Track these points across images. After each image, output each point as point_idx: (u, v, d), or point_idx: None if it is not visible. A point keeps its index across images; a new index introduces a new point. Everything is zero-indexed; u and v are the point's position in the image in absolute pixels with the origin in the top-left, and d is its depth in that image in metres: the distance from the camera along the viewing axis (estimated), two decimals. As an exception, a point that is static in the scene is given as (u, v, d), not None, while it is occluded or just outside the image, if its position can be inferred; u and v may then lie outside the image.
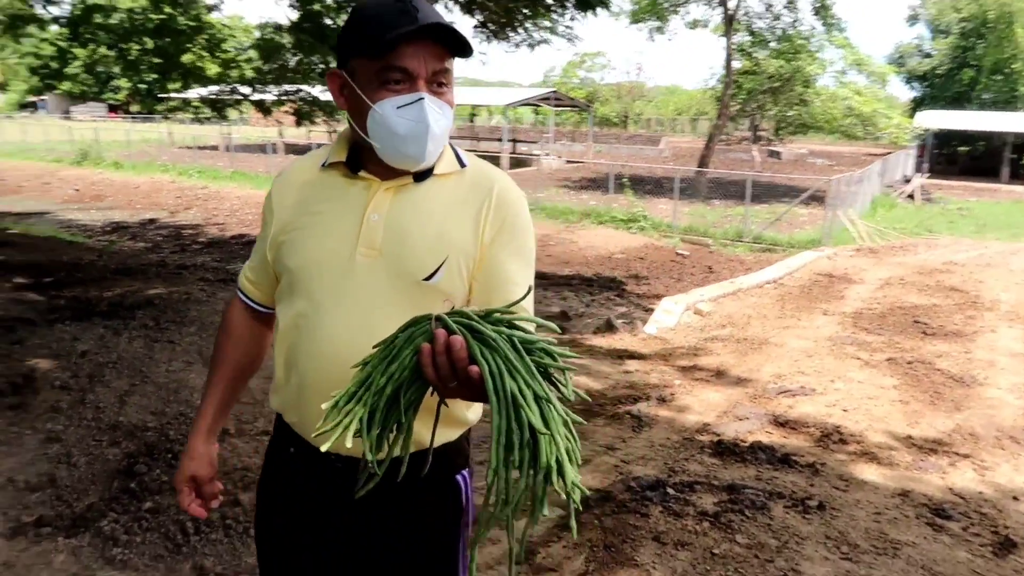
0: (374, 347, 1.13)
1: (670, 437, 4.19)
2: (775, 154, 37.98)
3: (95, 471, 3.27)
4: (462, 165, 1.43)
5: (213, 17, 13.60)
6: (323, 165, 1.42)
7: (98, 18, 11.56)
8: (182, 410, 3.73)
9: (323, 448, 1.08)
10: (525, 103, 32.57)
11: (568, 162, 31.41)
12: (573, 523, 1.06)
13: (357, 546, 1.46)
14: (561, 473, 1.04)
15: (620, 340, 6.96)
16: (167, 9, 12.14)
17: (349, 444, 1.07)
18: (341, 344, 1.31)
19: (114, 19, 11.59)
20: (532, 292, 1.41)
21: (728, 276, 11.66)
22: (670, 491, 3.34)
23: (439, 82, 1.31)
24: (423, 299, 1.33)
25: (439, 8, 7.77)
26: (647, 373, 5.64)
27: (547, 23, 6.92)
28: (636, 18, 27.82)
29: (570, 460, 1.05)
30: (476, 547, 1.37)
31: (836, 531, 3.09)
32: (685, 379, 5.51)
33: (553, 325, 1.31)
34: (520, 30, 7.20)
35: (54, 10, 11.54)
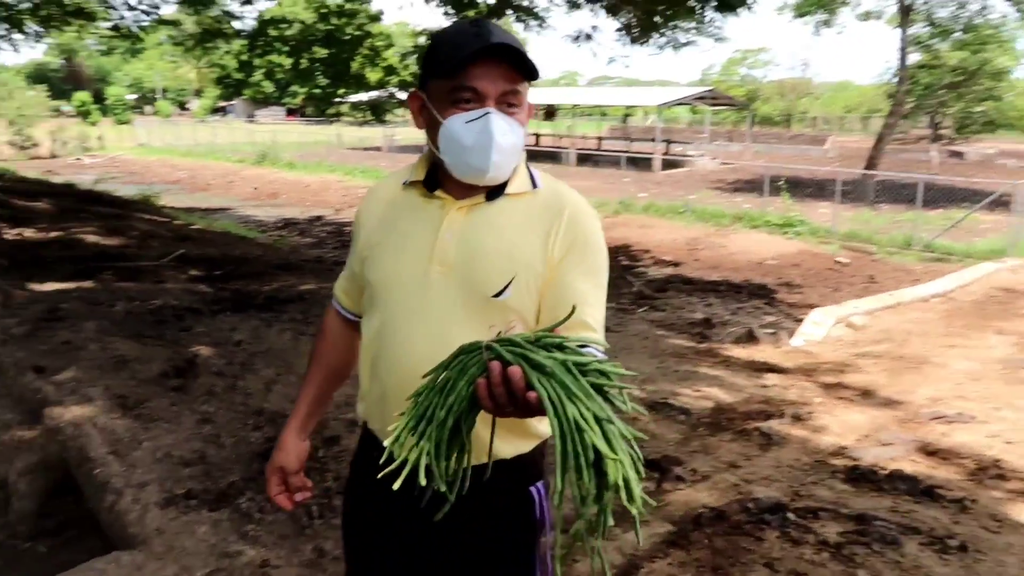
0: (423, 376, 1.17)
1: (800, 458, 3.97)
2: (957, 154, 34.80)
3: (239, 452, 3.57)
4: (535, 186, 1.45)
5: (377, 26, 14.33)
6: (404, 183, 1.49)
7: (273, 31, 12.47)
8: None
9: (395, 487, 1.11)
10: (680, 103, 31.85)
11: (723, 163, 30.38)
12: (639, 533, 1.08)
13: (435, 552, 1.52)
14: (628, 490, 1.04)
15: (761, 352, 6.67)
16: (334, 21, 12.92)
17: (423, 482, 1.10)
18: (418, 356, 1.36)
19: (288, 31, 12.49)
20: (603, 306, 1.41)
21: (892, 287, 10.84)
22: (791, 516, 3.17)
23: (509, 102, 1.34)
24: (493, 315, 1.37)
25: (583, 13, 7.79)
26: (785, 388, 5.38)
27: (691, 24, 6.73)
28: (801, 12, 26.43)
29: (636, 477, 1.05)
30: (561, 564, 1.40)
31: (978, 576, 2.81)
32: (827, 397, 5.20)
33: (602, 341, 1.30)
34: (664, 32, 7.06)
35: (237, 24, 12.60)
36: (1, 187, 12.49)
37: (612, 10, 7.20)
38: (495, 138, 1.31)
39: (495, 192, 1.42)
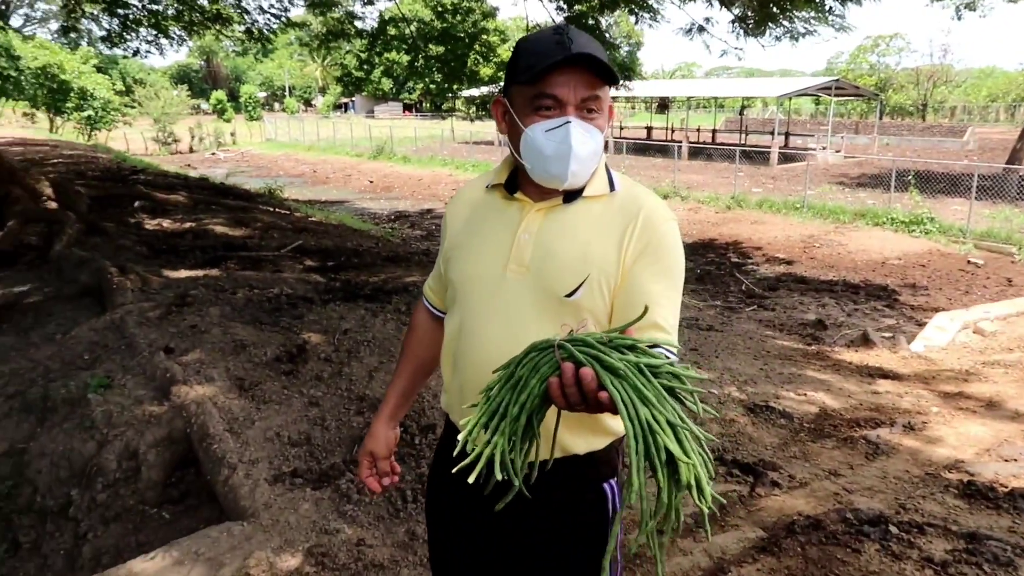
0: (494, 372, 1.21)
1: (909, 470, 3.78)
2: (1119, 147, 31.58)
3: (342, 435, 3.76)
4: (612, 188, 1.48)
5: (492, 22, 14.56)
6: (488, 186, 1.55)
7: (392, 30, 12.88)
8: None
9: (470, 480, 1.16)
10: (802, 93, 30.43)
11: (847, 157, 28.90)
12: (708, 528, 1.11)
13: (510, 542, 1.58)
14: (700, 489, 1.07)
15: (876, 356, 6.35)
16: (449, 19, 13.19)
17: (499, 477, 1.15)
18: (495, 352, 1.41)
19: (406, 30, 12.87)
20: (676, 309, 1.42)
21: (1031, 291, 10.05)
22: (893, 529, 3.03)
23: (589, 108, 1.37)
24: (565, 314, 1.41)
25: (697, 5, 7.64)
26: (899, 396, 5.11)
27: (811, 13, 6.44)
28: (939, -5, 24.74)
29: (706, 477, 1.08)
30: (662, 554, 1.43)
31: (1102, 608, 2.60)
32: (945, 407, 4.90)
33: (674, 343, 1.31)
34: (781, 22, 6.79)
35: (359, 24, 13.10)
36: (144, 181, 13.54)
37: (726, 1, 7.00)
38: (574, 148, 1.35)
39: (572, 195, 1.46)
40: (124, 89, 44.36)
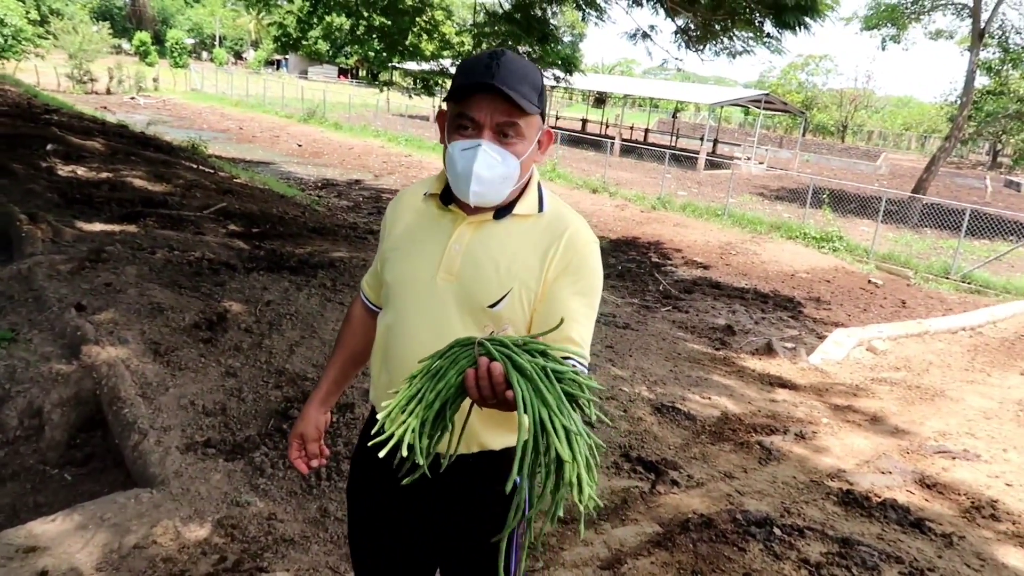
0: (419, 362, 1.30)
1: (796, 476, 4.06)
2: (1014, 185, 33.94)
3: (258, 408, 3.75)
4: (541, 209, 1.58)
5: (438, -1, 14.42)
6: (425, 195, 1.62)
7: (334, -9, 12.61)
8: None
9: (381, 455, 1.26)
10: (733, 103, 31.40)
11: (769, 168, 30.00)
12: (582, 528, 1.20)
13: (428, 528, 1.69)
14: (580, 489, 1.17)
15: (777, 366, 6.72)
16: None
17: (405, 453, 1.25)
18: (421, 352, 1.49)
19: (350, -6, 12.60)
20: (591, 325, 1.54)
21: (923, 314, 10.75)
22: (776, 531, 3.27)
23: (505, 132, 1.46)
24: (487, 322, 1.53)
25: (644, 11, 7.79)
26: (795, 406, 5.44)
27: (749, 34, 6.70)
28: (869, 24, 25.88)
29: (589, 478, 1.17)
30: (526, 547, 1.55)
31: (950, 612, 2.89)
32: (834, 419, 5.26)
33: (585, 355, 1.42)
34: (721, 39, 7.04)
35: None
36: (58, 123, 12.84)
37: (671, 12, 7.19)
38: (475, 170, 1.44)
39: (503, 211, 1.56)
40: (39, 19, 41.63)
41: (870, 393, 6.11)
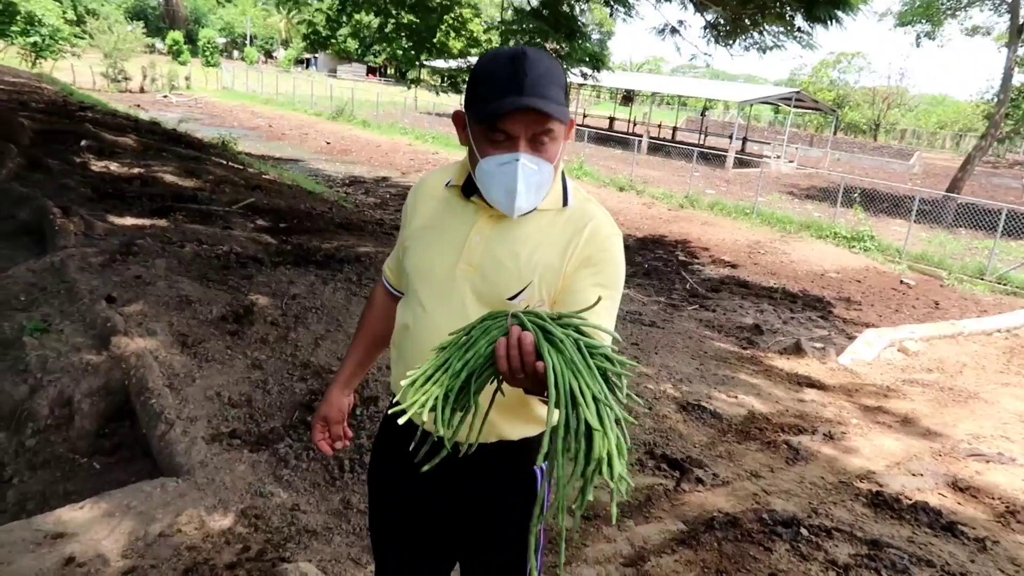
0: (450, 334, 1.28)
1: (824, 477, 3.99)
2: (1052, 184, 33.17)
3: (283, 400, 3.77)
4: (565, 203, 1.55)
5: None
6: (447, 184, 1.61)
7: (364, -9, 12.67)
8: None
9: (400, 422, 1.23)
10: (763, 101, 31.07)
11: (799, 167, 29.63)
12: (614, 510, 1.14)
13: (447, 516, 1.67)
14: (611, 465, 1.12)
15: (806, 365, 6.62)
16: (423, -14, 13.00)
17: (425, 419, 1.22)
18: (438, 341, 1.49)
19: (378, -6, 12.66)
20: (611, 318, 1.51)
21: (956, 316, 10.53)
22: (803, 531, 3.22)
23: (540, 140, 1.43)
24: None
25: (672, 6, 7.72)
26: (823, 406, 5.35)
27: (779, 29, 6.60)
28: (904, 21, 25.48)
29: (619, 455, 1.13)
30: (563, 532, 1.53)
31: (983, 617, 2.82)
32: (864, 420, 5.16)
33: (615, 335, 1.39)
34: (751, 34, 6.94)
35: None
36: (93, 119, 13.07)
37: (700, 7, 7.11)
38: (519, 187, 1.41)
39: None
40: (76, 18, 42.40)
41: (901, 394, 6.00)
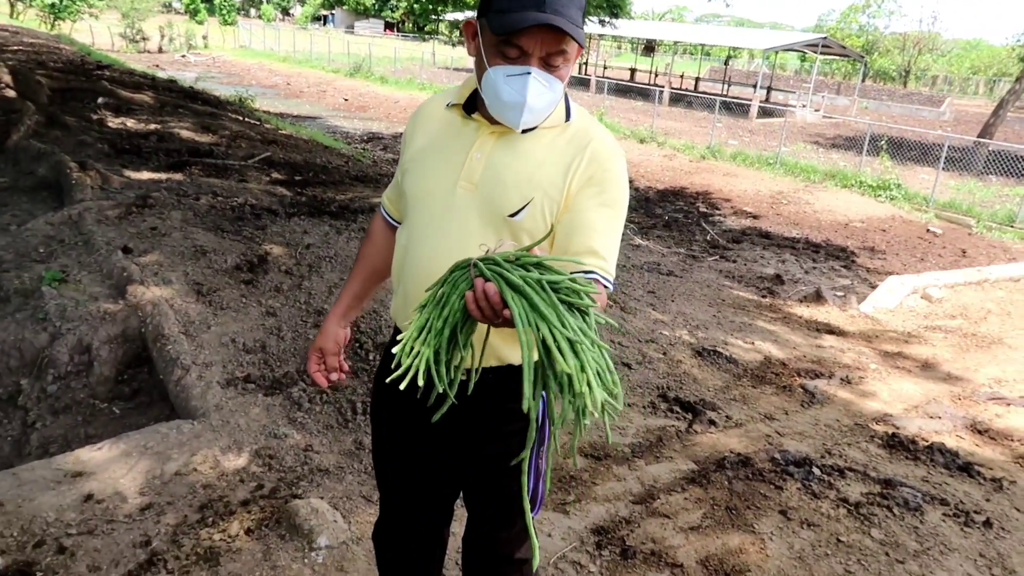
0: (425, 291, 1.27)
1: (840, 420, 3.96)
2: (1089, 130, 32.14)
3: (297, 346, 3.80)
4: (568, 119, 1.52)
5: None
6: (448, 105, 1.57)
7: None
8: (374, 307, 4.18)
9: (401, 387, 1.24)
10: (788, 48, 30.25)
11: (825, 116, 28.98)
12: (608, 433, 1.15)
13: (448, 441, 1.67)
14: (592, 396, 1.11)
15: (825, 313, 6.55)
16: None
17: (421, 383, 1.22)
18: (437, 263, 1.47)
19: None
20: (616, 238, 1.48)
21: (983, 264, 10.33)
22: (815, 470, 3.21)
23: (553, 62, 1.39)
24: (507, 232, 1.48)
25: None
26: (841, 352, 5.30)
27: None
28: (936, -41, 24.53)
29: (601, 382, 1.12)
30: (550, 458, 1.54)
31: (995, 552, 2.80)
32: (883, 365, 5.11)
33: (608, 269, 1.37)
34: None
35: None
36: (110, 77, 13.07)
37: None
38: (527, 100, 1.38)
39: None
40: (93, -21, 42.19)
41: (922, 340, 5.92)
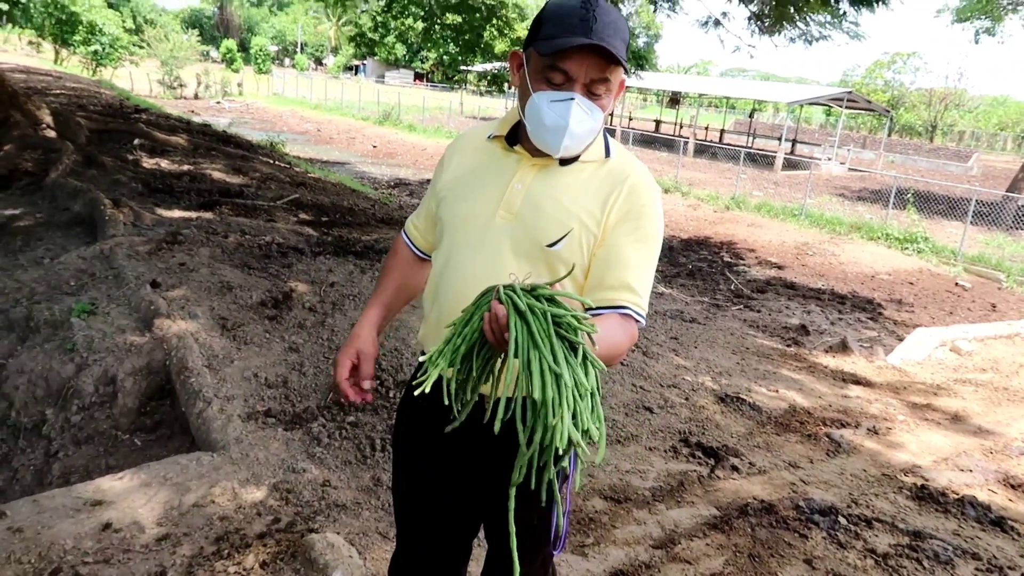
0: (463, 311, 1.31)
1: (867, 469, 3.87)
2: (1119, 187, 31.74)
3: (318, 382, 3.82)
4: (607, 155, 1.56)
5: (510, -3, 14.46)
6: (489, 136, 1.61)
7: (410, -6, 12.79)
8: (397, 346, 4.19)
9: (415, 394, 1.27)
10: (813, 102, 30.44)
11: (851, 170, 28.95)
12: (577, 476, 1.16)
13: (469, 474, 1.65)
14: (562, 433, 1.12)
15: (851, 363, 6.44)
16: (468, -12, 13.08)
17: (427, 390, 1.24)
18: (474, 288, 1.48)
19: (423, -4, 12.78)
20: (649, 274, 1.50)
21: (1014, 319, 10.14)
22: (842, 520, 3.12)
23: (595, 90, 1.44)
24: (545, 262, 1.50)
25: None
26: (868, 402, 5.20)
27: (826, 18, 6.47)
28: (962, 16, 24.69)
29: (575, 420, 1.14)
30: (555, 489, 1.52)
31: (1031, 611, 2.70)
32: (912, 416, 5.00)
33: (641, 304, 1.38)
34: (796, 24, 6.81)
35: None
36: (146, 120, 13.46)
37: (742, -2, 7.02)
38: (570, 126, 1.42)
39: (568, 158, 1.53)
40: (134, 27, 43.90)
41: (952, 393, 5.79)
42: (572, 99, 1.41)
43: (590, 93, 1.43)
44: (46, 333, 3.99)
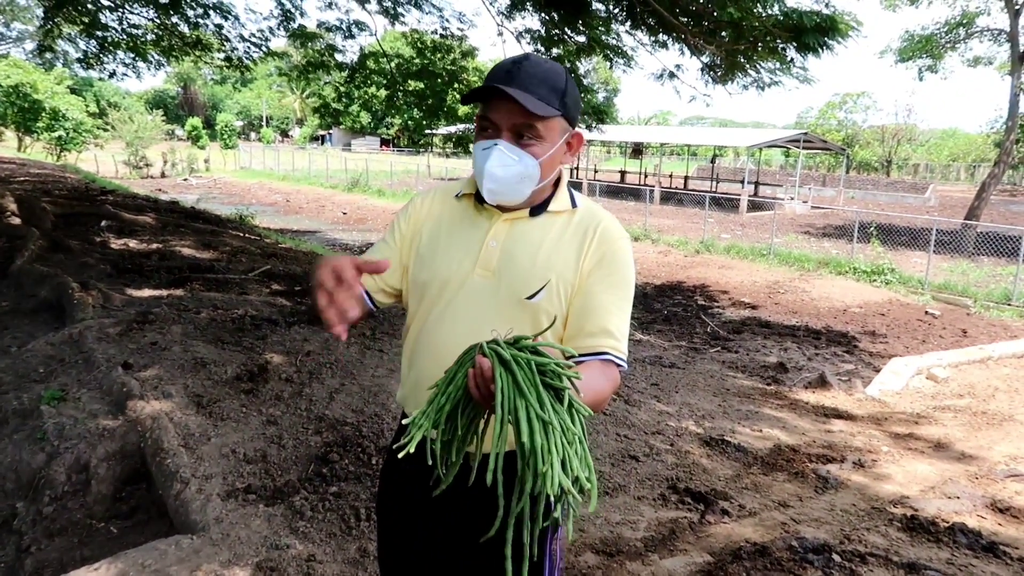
0: (445, 371, 1.30)
1: (856, 504, 3.86)
2: (1071, 208, 32.77)
3: (298, 454, 3.75)
4: (574, 205, 1.60)
5: (472, 61, 14.76)
6: (457, 196, 1.64)
7: (372, 64, 13.02)
8: (377, 411, 4.14)
9: (400, 456, 1.24)
10: (771, 145, 31.27)
11: (814, 207, 29.61)
12: (570, 525, 1.15)
13: (457, 535, 1.62)
14: (553, 480, 1.12)
15: (832, 398, 6.48)
16: (429, 56, 13.35)
17: (412, 450, 1.22)
18: (453, 348, 1.48)
19: (386, 65, 13.02)
20: (626, 318, 1.52)
21: (985, 343, 10.30)
22: (836, 557, 3.10)
23: (523, 134, 1.48)
24: (525, 315, 1.52)
25: (670, 53, 7.88)
26: (852, 435, 5.22)
27: (775, 65, 6.70)
28: (904, 56, 25.70)
29: (564, 467, 1.13)
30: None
31: (1033, 637, 2.67)
32: (896, 447, 5.02)
33: (621, 349, 1.40)
34: (747, 72, 7.05)
35: (340, 57, 13.26)
36: (113, 202, 13.43)
37: (695, 50, 7.25)
38: (488, 169, 1.47)
39: (538, 209, 1.58)
40: (98, 111, 44.10)
41: (933, 420, 5.84)
42: (495, 145, 1.46)
43: (518, 137, 1.47)
44: (15, 423, 3.89)
